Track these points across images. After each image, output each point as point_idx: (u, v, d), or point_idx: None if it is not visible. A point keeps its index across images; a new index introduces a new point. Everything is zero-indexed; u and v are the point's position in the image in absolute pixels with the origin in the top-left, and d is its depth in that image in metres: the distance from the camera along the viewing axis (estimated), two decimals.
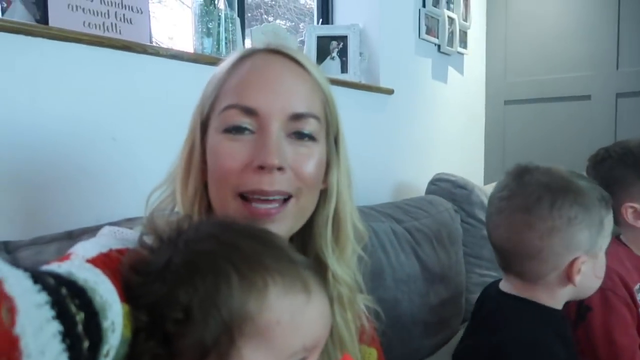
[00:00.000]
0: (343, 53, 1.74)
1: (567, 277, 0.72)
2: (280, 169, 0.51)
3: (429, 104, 2.01)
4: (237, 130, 0.52)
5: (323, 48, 1.74)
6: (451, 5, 2.08)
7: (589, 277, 0.73)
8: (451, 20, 2.06)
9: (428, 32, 1.97)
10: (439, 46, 2.05)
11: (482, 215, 1.64)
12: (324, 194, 0.57)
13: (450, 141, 2.18)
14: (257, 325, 0.38)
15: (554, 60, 2.28)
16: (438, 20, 2.01)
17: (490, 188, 1.99)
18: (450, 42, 2.07)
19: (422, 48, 1.96)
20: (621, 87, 2.15)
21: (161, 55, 1.07)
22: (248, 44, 1.53)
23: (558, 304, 0.77)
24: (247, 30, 1.58)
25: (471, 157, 2.38)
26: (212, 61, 1.19)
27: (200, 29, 1.25)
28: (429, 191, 1.68)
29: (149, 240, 0.45)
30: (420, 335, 1.23)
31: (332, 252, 0.57)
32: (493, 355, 0.70)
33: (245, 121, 0.52)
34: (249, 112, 0.52)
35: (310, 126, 0.54)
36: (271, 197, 0.51)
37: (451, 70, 2.16)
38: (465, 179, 1.68)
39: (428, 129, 2.00)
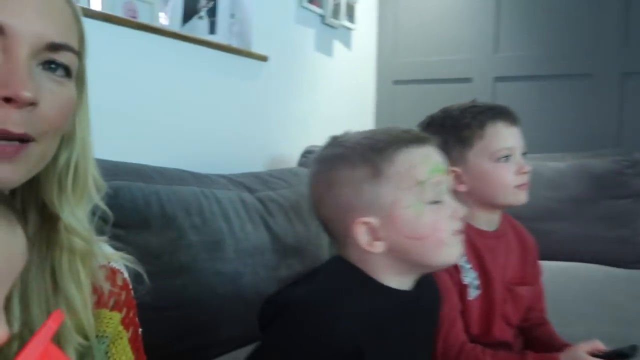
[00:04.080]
0: (212, 13, 1.61)
1: (358, 244, 0.66)
2: (32, 104, 0.42)
3: (310, 75, 1.94)
4: None
5: (190, 5, 1.60)
6: None
7: (396, 239, 0.65)
8: None
9: (311, 1, 1.89)
10: (322, 17, 1.98)
11: None
12: (65, 139, 0.50)
13: (336, 116, 2.12)
14: None
15: (440, 42, 2.30)
16: None
17: None
18: (336, 15, 2.01)
19: (304, 17, 1.88)
20: (499, 71, 2.21)
21: None
22: None
23: (387, 279, 0.68)
24: None
25: None
26: None
27: None
28: (300, 164, 1.62)
29: None
30: None
31: (67, 203, 0.49)
32: (292, 306, 0.65)
33: None
34: None
35: (67, 58, 0.46)
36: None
37: (337, 44, 2.11)
38: None
39: (308, 101, 1.93)
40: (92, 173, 0.52)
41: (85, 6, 1.25)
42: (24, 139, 0.42)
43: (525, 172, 0.89)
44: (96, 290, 0.52)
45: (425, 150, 0.68)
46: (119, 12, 1.36)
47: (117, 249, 0.90)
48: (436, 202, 0.66)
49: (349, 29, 2.15)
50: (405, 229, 0.65)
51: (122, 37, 1.26)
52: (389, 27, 2.40)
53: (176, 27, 1.55)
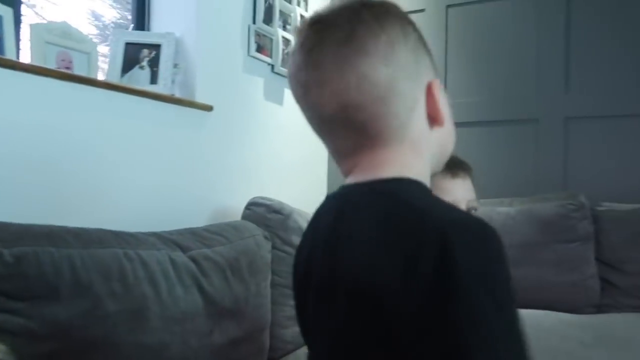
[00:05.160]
0: (155, 63, 1.58)
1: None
2: None
3: (259, 125, 1.91)
4: None
5: (132, 56, 1.57)
6: (288, 27, 2.03)
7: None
8: (287, 41, 2.01)
9: (259, 50, 1.89)
10: (272, 66, 1.97)
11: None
12: None
13: (289, 167, 2.09)
14: None
15: None
16: (272, 39, 1.94)
17: None
18: (286, 63, 2.01)
19: (252, 66, 1.87)
20: None
21: None
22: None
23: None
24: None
25: (314, 186, 2.32)
26: None
27: None
28: (244, 216, 1.56)
29: None
30: None
31: None
32: None
33: None
34: None
35: None
36: None
37: (289, 93, 2.10)
38: (282, 203, 1.58)
39: (258, 151, 1.90)
40: None
41: (13, 58, 1.20)
42: None
43: None
44: None
45: None
46: (51, 64, 1.32)
47: (15, 325, 0.82)
48: None
49: None
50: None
51: (51, 89, 1.21)
52: None
53: (115, 78, 1.51)
